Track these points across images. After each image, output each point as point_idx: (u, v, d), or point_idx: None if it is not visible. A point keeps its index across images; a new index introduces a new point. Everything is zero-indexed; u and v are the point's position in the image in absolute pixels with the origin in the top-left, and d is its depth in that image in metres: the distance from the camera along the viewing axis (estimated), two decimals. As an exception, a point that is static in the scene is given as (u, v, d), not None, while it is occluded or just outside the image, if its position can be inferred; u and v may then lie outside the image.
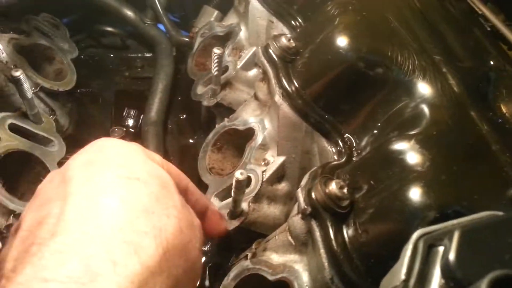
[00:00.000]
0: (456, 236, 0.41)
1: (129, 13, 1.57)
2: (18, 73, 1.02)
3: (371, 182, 0.72)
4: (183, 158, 1.38)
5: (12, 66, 1.17)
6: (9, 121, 1.11)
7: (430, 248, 0.44)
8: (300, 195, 0.76)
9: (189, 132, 1.44)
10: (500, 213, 0.49)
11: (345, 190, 0.73)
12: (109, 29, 1.60)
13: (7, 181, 1.05)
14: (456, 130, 0.72)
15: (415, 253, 0.45)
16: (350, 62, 0.85)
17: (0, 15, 1.31)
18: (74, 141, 1.26)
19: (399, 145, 0.71)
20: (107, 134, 1.32)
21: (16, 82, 1.05)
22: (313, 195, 0.73)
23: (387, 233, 0.66)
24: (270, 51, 0.97)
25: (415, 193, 0.64)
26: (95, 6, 1.58)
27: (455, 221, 0.47)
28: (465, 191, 0.64)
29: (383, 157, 0.73)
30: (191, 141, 1.43)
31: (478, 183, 0.66)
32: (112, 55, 1.63)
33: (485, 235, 0.41)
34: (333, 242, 0.69)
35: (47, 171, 1.10)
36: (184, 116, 1.47)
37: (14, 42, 1.22)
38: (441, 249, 0.43)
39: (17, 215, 1.01)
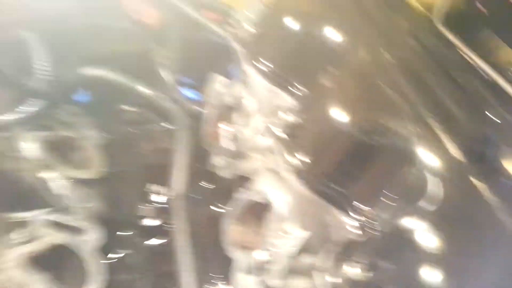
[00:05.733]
0: None
1: (142, 89, 1.66)
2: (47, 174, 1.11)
3: (386, 262, 0.74)
4: (210, 229, 1.41)
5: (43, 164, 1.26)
6: (47, 217, 1.20)
7: None
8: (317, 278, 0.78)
9: (213, 200, 1.47)
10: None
11: (359, 270, 0.75)
12: (126, 107, 1.68)
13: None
14: (461, 202, 0.72)
15: None
16: (348, 134, 0.88)
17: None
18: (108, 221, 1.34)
19: (410, 224, 0.73)
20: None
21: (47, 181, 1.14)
22: (327, 278, 0.75)
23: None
24: (271, 126, 1.01)
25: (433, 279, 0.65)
26: (109, 86, 1.68)
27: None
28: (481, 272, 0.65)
29: (395, 236, 0.74)
30: (216, 209, 1.45)
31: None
32: (130, 130, 1.71)
33: None
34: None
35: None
36: (207, 184, 1.51)
37: (43, 139, 1.32)
38: None
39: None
